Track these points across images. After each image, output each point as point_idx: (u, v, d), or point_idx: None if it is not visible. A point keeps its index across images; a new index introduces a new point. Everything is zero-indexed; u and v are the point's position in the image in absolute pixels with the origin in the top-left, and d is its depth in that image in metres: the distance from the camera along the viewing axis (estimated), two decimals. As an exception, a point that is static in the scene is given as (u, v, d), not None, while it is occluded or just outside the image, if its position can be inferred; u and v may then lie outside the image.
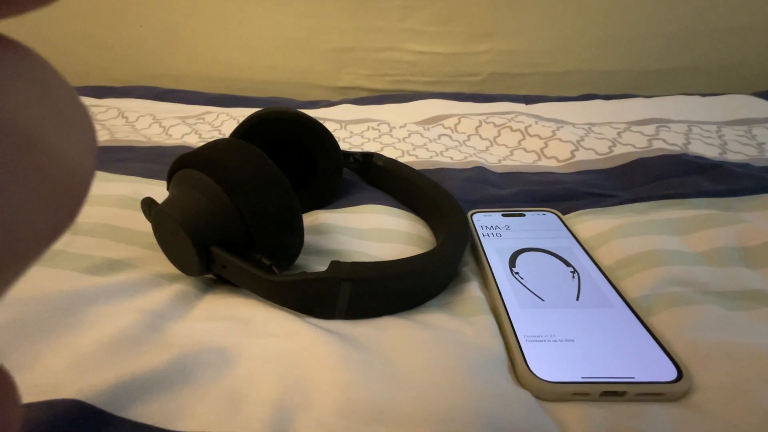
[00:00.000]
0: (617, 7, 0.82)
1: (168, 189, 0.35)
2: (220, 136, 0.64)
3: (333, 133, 0.45)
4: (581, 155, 0.55)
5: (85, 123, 0.08)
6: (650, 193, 0.44)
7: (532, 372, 0.26)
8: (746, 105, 0.69)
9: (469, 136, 0.63)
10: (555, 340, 0.29)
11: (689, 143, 0.56)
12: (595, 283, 0.34)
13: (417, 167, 0.50)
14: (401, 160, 0.53)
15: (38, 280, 0.32)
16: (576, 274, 0.35)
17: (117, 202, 0.42)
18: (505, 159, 0.57)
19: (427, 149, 0.59)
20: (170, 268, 0.34)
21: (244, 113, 0.69)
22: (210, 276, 0.35)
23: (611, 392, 0.25)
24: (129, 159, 0.55)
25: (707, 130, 0.60)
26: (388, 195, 0.47)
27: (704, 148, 0.55)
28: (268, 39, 0.89)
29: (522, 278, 0.34)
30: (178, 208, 0.31)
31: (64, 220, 0.07)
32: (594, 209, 0.44)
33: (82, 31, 0.92)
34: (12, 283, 0.06)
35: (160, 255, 0.34)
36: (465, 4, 0.83)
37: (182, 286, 0.33)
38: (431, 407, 0.24)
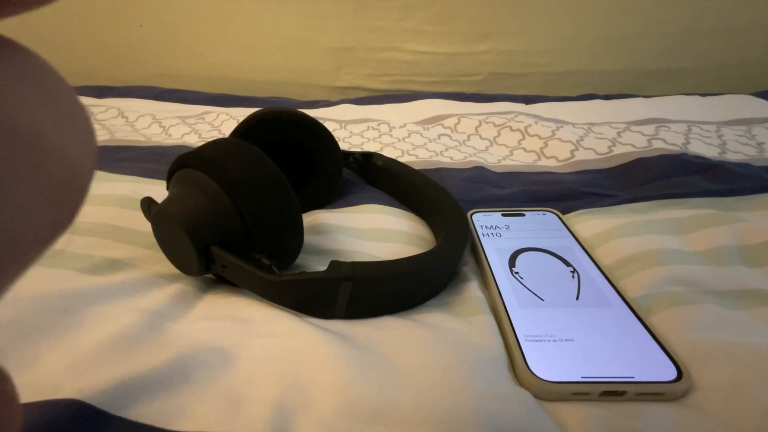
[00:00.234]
0: (617, 7, 0.82)
1: (168, 189, 0.35)
2: (220, 136, 0.64)
3: (333, 133, 0.45)
4: (581, 155, 0.55)
5: (84, 123, 0.08)
6: (650, 192, 0.44)
7: (531, 372, 0.26)
8: (746, 105, 0.69)
9: (468, 136, 0.63)
10: (555, 340, 0.29)
11: (689, 143, 0.56)
12: (594, 282, 0.34)
13: (417, 167, 0.50)
14: (401, 159, 0.53)
15: (38, 280, 0.32)
16: (576, 274, 0.35)
17: (117, 202, 0.42)
18: (504, 159, 0.57)
19: (427, 149, 0.59)
20: (170, 268, 0.34)
21: (244, 113, 0.69)
22: (210, 276, 0.35)
23: (611, 392, 0.25)
24: (129, 159, 0.54)
25: (707, 130, 0.60)
26: (387, 195, 0.47)
27: (704, 147, 0.55)
28: (268, 39, 0.89)
29: (522, 278, 0.34)
30: (177, 207, 0.31)
31: (63, 220, 0.07)
32: (594, 209, 0.44)
33: (82, 31, 0.92)
34: (12, 283, 0.06)
35: (160, 255, 0.34)
36: (465, 4, 0.83)
37: (182, 285, 0.33)
38: (431, 407, 0.24)
